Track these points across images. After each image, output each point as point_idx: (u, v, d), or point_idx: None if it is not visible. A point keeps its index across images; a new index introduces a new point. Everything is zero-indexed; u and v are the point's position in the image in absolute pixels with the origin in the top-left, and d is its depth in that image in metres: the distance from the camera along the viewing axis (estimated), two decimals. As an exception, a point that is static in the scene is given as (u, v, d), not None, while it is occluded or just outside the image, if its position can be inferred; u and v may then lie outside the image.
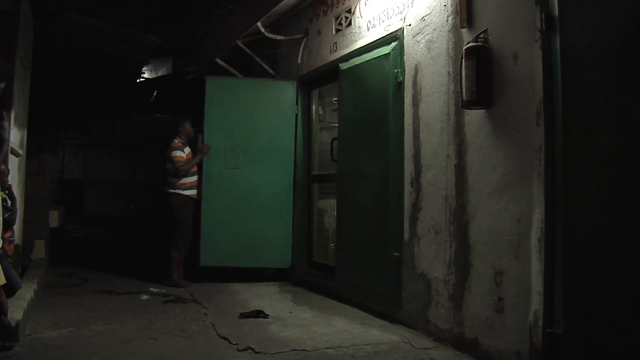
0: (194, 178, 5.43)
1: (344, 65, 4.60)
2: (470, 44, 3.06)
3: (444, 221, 3.43)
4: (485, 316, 3.03)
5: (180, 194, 5.34)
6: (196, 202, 5.44)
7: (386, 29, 4.07)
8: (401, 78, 3.88)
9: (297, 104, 5.54)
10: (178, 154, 5.31)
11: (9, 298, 3.47)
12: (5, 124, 3.89)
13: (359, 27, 4.46)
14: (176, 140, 5.41)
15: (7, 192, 3.67)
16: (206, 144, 5.40)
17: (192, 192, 5.41)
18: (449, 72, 3.42)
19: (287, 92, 5.54)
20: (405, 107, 3.85)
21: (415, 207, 3.71)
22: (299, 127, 5.56)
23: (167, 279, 5.27)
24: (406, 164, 3.82)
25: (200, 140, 5.63)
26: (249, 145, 5.43)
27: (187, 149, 5.42)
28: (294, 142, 5.52)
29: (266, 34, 5.47)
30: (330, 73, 4.94)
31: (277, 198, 5.46)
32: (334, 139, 4.88)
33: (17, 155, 4.64)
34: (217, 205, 5.35)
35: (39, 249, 5.85)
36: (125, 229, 11.77)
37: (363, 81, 4.36)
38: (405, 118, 3.84)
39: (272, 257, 5.44)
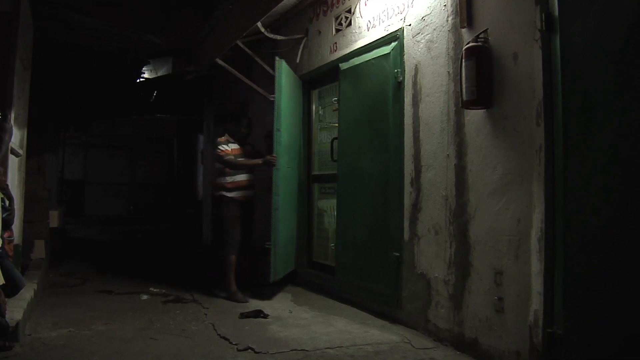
0: (241, 178, 4.92)
1: (344, 65, 4.60)
2: (470, 44, 3.06)
3: (444, 221, 3.43)
4: (485, 316, 3.03)
5: (223, 196, 4.85)
6: (242, 203, 4.92)
7: (386, 29, 4.07)
8: (401, 78, 3.88)
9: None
10: (222, 147, 4.86)
11: (12, 297, 3.47)
12: (6, 124, 3.88)
13: (359, 27, 4.46)
14: (221, 138, 5.01)
15: (4, 191, 3.66)
16: (274, 155, 4.65)
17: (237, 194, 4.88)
18: (449, 72, 3.42)
19: (299, 88, 5.44)
20: (405, 107, 3.85)
21: (415, 207, 3.71)
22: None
23: (221, 289, 4.75)
24: (406, 164, 3.82)
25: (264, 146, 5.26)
26: (288, 142, 5.05)
27: (234, 145, 4.94)
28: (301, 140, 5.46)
29: (266, 34, 5.47)
30: (330, 73, 4.93)
31: (293, 198, 5.27)
32: (334, 139, 4.88)
33: (17, 155, 4.64)
34: (282, 209, 4.82)
35: (39, 249, 5.86)
36: (125, 229, 11.79)
37: (363, 81, 4.36)
38: (405, 118, 3.84)
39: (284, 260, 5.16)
